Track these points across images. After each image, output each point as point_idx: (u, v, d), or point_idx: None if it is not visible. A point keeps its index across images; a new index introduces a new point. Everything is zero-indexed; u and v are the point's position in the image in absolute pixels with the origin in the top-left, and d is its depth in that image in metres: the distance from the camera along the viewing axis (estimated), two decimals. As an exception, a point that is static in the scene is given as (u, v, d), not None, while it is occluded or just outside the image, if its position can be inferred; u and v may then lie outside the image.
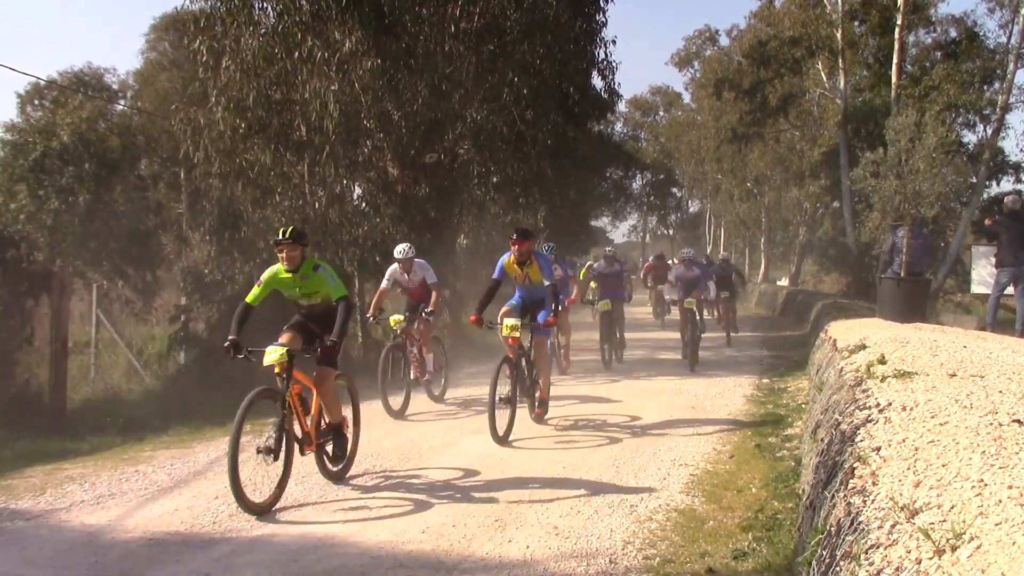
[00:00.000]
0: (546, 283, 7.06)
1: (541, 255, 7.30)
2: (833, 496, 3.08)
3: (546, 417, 7.54)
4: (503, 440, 6.60)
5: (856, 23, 23.72)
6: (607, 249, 12.93)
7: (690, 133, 41.92)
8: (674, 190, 55.07)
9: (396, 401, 8.13)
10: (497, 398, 6.61)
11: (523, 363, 7.16)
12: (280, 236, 5.34)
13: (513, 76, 12.37)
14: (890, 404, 3.90)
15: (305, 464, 5.57)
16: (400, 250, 8.47)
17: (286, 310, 5.94)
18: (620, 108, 33.29)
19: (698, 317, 11.55)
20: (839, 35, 22.57)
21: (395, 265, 8.54)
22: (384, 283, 8.66)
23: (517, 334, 6.99)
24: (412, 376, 8.54)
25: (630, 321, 13.93)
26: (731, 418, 7.88)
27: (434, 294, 8.47)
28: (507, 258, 7.20)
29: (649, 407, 8.30)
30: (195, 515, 4.91)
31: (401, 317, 8.34)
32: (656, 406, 8.38)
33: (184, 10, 13.22)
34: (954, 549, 2.06)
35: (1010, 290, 10.00)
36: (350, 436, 5.79)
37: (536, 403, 7.44)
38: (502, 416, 6.68)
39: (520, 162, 13.19)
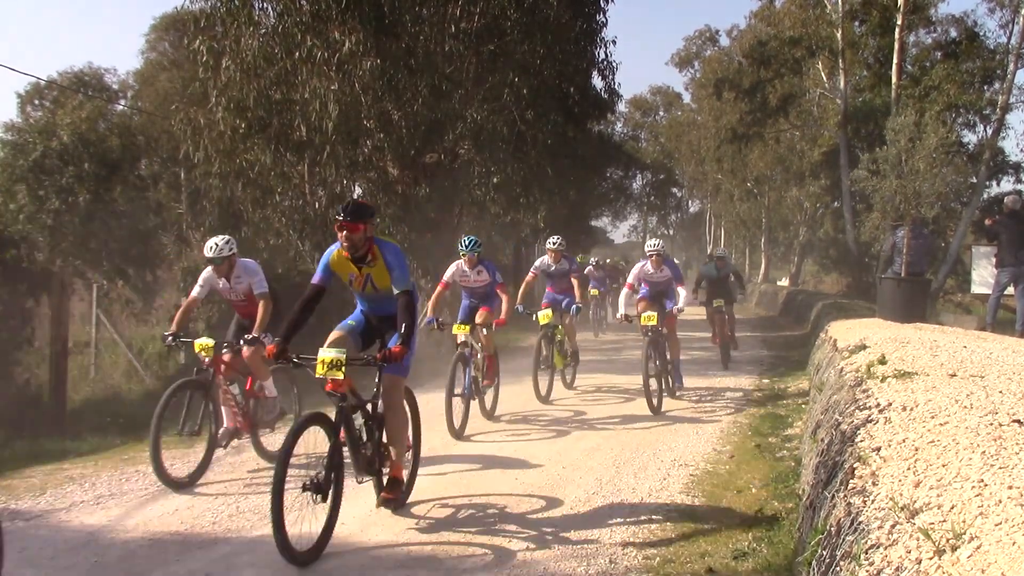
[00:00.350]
0: (396, 291, 4.59)
1: (389, 246, 4.78)
2: (833, 496, 3.08)
3: (408, 502, 5.00)
4: (305, 558, 3.98)
5: (856, 23, 23.71)
6: (550, 241, 9.17)
7: (690, 133, 41.98)
8: (674, 190, 55.13)
9: (182, 464, 5.84)
10: (301, 485, 4.06)
11: (355, 421, 4.51)
12: None
13: (513, 76, 12.39)
14: (890, 404, 3.91)
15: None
16: (211, 246, 6.00)
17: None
18: (620, 108, 33.41)
19: (665, 336, 8.47)
20: (839, 35, 22.57)
21: (209, 268, 6.11)
22: (195, 290, 6.14)
23: (340, 375, 4.28)
24: (226, 426, 5.97)
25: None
26: (731, 418, 7.88)
27: (261, 308, 5.94)
28: (334, 251, 4.77)
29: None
30: (195, 515, 4.90)
31: (210, 342, 5.74)
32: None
33: (184, 10, 13.25)
34: (954, 549, 2.06)
35: (1010, 290, 10.02)
36: None
37: (385, 484, 4.72)
38: (306, 515, 4.04)
39: (520, 162, 13.21)
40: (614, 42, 21.88)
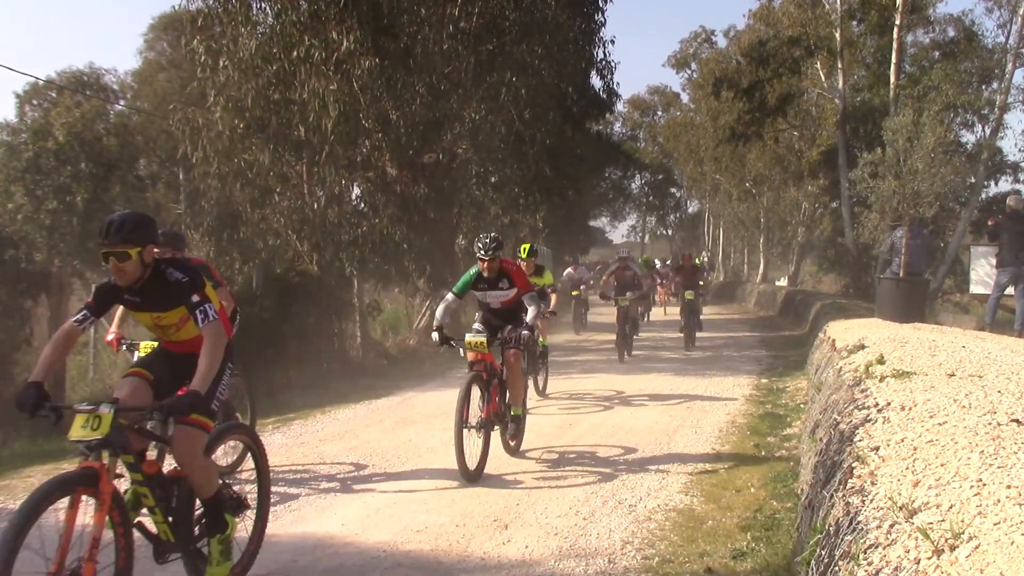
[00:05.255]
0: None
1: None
2: (832, 496, 3.08)
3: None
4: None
5: (855, 23, 23.72)
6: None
7: (688, 133, 41.94)
8: (673, 190, 55.14)
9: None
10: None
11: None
12: None
13: (511, 76, 12.39)
14: (889, 404, 3.90)
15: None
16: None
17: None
18: (619, 108, 33.52)
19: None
20: (838, 35, 22.59)
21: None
22: None
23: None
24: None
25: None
26: (730, 418, 7.88)
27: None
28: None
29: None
30: (194, 515, 4.88)
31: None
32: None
33: (182, 10, 13.23)
34: (953, 549, 2.05)
35: (1010, 290, 10.02)
36: None
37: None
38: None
39: (518, 162, 13.22)
40: (612, 42, 21.87)
